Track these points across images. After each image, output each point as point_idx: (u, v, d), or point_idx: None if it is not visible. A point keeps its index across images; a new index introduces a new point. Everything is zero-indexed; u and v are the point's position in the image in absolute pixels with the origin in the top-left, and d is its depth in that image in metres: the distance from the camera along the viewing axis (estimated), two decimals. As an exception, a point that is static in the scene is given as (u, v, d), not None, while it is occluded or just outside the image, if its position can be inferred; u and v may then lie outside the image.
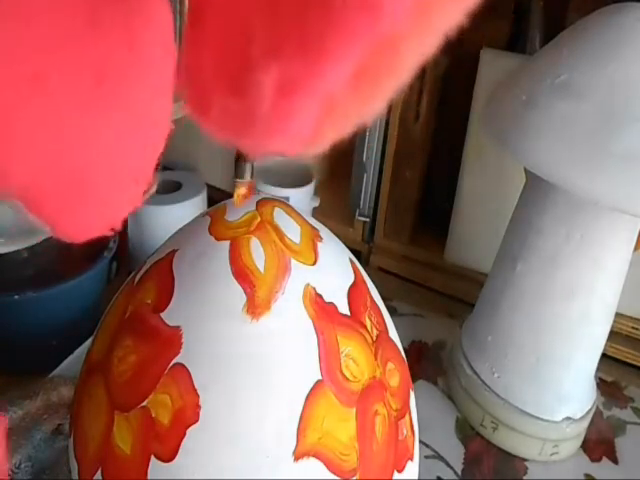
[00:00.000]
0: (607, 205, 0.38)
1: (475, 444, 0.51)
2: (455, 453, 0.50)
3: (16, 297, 0.45)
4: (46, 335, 0.49)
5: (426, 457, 0.49)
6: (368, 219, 0.69)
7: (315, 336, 0.23)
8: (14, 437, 0.34)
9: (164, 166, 0.74)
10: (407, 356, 0.58)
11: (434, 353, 0.60)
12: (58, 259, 0.55)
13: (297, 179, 0.64)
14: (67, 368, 0.45)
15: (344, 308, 0.24)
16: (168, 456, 0.21)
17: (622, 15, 0.40)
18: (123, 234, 0.61)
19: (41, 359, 0.47)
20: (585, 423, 0.50)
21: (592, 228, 0.43)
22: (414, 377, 0.58)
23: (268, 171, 0.65)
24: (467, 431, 0.52)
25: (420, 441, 0.50)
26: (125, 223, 0.59)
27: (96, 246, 0.52)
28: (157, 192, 0.62)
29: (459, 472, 0.48)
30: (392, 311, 0.62)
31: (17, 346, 0.50)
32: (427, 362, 0.58)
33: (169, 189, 0.64)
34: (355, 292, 0.25)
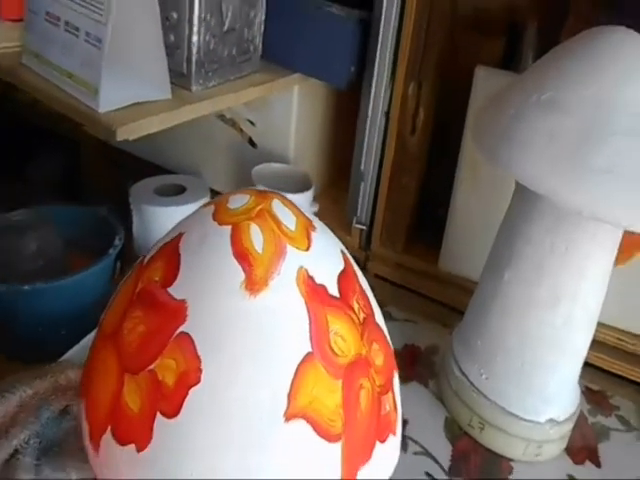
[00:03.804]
0: (588, 215, 0.40)
1: (463, 443, 0.52)
2: (443, 451, 0.51)
3: (26, 288, 0.47)
4: (54, 325, 0.51)
5: (415, 453, 0.50)
6: (365, 227, 0.71)
7: (306, 313, 0.25)
8: (23, 414, 0.36)
9: (169, 170, 0.77)
10: (400, 359, 0.60)
11: (426, 357, 0.61)
12: (65, 253, 0.57)
13: (297, 185, 0.67)
14: (74, 356, 0.47)
15: (334, 291, 0.27)
16: (172, 413, 0.24)
17: (606, 37, 0.42)
18: (128, 235, 0.64)
19: (49, 348, 0.49)
20: (568, 426, 0.52)
21: (576, 238, 0.45)
22: (407, 379, 0.60)
23: (268, 177, 0.67)
24: (455, 431, 0.53)
25: (410, 438, 0.52)
26: (130, 224, 0.61)
27: (102, 243, 0.55)
28: (162, 195, 0.65)
29: (446, 469, 0.50)
30: (387, 316, 0.64)
31: (26, 335, 0.52)
32: (419, 365, 0.60)
33: (174, 192, 0.66)
34: (344, 278, 0.27)
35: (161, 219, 0.63)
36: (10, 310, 0.50)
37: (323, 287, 0.26)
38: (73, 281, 0.50)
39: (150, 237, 0.63)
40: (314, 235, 0.28)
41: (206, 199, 0.66)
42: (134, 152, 0.80)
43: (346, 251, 0.30)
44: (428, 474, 0.49)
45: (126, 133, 0.45)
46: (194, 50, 0.52)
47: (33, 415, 0.36)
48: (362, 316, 0.27)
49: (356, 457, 0.25)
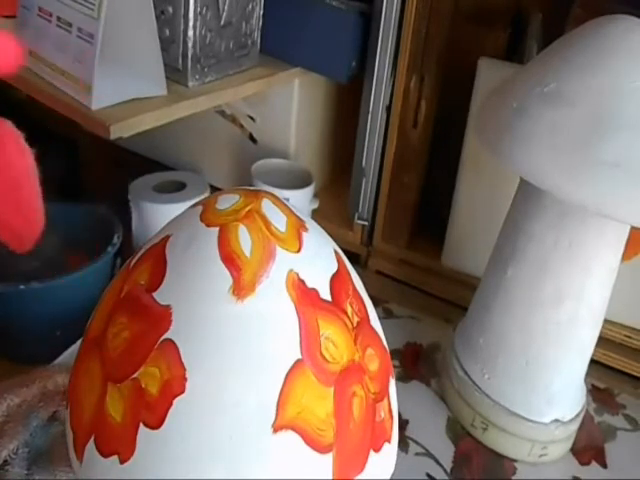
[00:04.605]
0: (594, 211, 0.39)
1: (465, 443, 0.52)
2: (445, 452, 0.50)
3: (22, 287, 0.47)
4: (50, 325, 0.50)
5: (416, 454, 0.50)
6: (367, 223, 0.70)
7: (296, 318, 0.24)
8: (11, 424, 0.35)
9: (168, 166, 0.76)
10: (402, 357, 0.59)
11: (429, 355, 0.61)
12: (63, 252, 0.57)
13: (297, 181, 0.66)
14: (69, 358, 0.46)
15: (326, 294, 0.26)
16: (156, 423, 0.23)
17: (612, 26, 0.41)
18: (127, 232, 0.63)
19: (45, 349, 0.48)
20: (574, 426, 0.51)
21: (580, 234, 0.44)
22: (408, 377, 0.59)
23: (268, 173, 0.67)
24: (458, 431, 0.53)
25: (411, 438, 0.51)
26: (129, 221, 0.61)
27: (101, 241, 0.54)
28: (162, 191, 0.64)
29: (448, 470, 0.49)
30: (388, 313, 0.63)
31: (22, 335, 0.51)
32: (421, 363, 0.59)
33: (173, 189, 0.66)
34: (337, 280, 0.27)
35: (161, 216, 0.63)
36: (6, 310, 0.50)
37: (314, 291, 0.25)
38: (70, 281, 0.50)
39: (149, 235, 0.63)
40: (305, 236, 0.27)
41: (206, 195, 0.65)
42: (133, 149, 0.79)
43: (340, 251, 0.29)
44: (429, 475, 0.48)
45: (120, 130, 0.45)
46: (190, 45, 0.51)
47: (21, 424, 0.35)
48: (356, 320, 0.27)
49: (349, 467, 0.25)
